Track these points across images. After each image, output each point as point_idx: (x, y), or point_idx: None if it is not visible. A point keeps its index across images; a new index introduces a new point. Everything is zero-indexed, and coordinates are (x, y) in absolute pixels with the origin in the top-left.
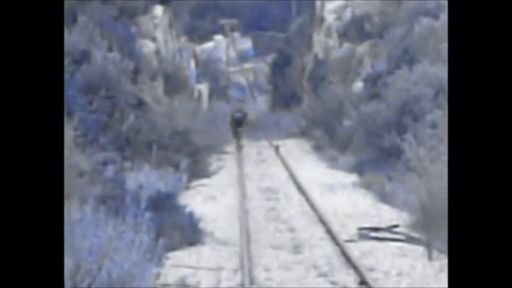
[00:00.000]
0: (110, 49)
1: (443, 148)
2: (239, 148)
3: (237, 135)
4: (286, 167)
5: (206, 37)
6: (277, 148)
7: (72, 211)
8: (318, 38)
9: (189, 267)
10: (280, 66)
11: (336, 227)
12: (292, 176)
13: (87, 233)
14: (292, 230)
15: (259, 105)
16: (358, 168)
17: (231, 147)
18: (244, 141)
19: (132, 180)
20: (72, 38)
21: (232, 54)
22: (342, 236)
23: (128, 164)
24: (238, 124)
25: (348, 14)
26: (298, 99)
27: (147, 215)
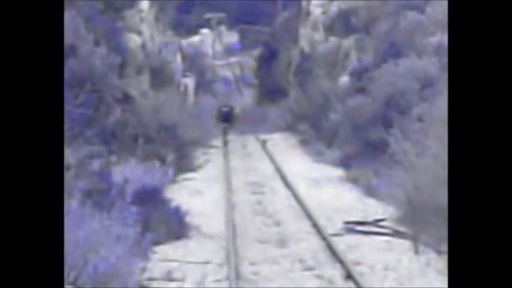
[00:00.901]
0: (96, 43)
1: (429, 142)
2: (225, 143)
3: (223, 131)
4: (273, 161)
5: (192, 31)
6: (264, 143)
7: None
8: (304, 32)
9: (175, 261)
10: (267, 60)
11: (322, 221)
12: (278, 170)
13: (73, 227)
14: (278, 223)
15: (245, 99)
16: (344, 162)
17: (217, 142)
18: (231, 136)
19: (118, 174)
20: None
21: (219, 48)
22: (328, 230)
23: (114, 158)
24: (225, 119)
25: (334, 8)
26: (284, 93)
27: (133, 209)
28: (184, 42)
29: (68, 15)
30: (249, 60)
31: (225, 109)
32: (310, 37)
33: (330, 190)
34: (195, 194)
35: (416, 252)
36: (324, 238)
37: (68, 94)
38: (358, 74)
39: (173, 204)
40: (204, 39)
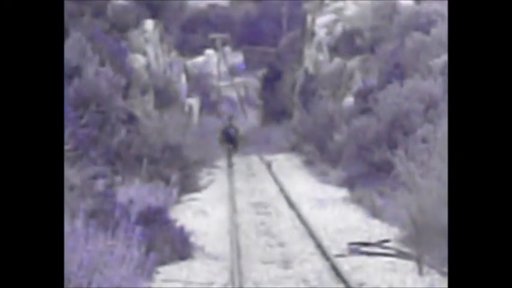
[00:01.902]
0: (101, 63)
1: (434, 163)
2: (230, 166)
3: (228, 153)
4: (277, 181)
5: (197, 51)
6: (269, 165)
7: None
8: (309, 53)
9: (179, 281)
10: (271, 81)
11: (326, 242)
12: (282, 191)
13: (77, 247)
14: (282, 244)
15: (249, 119)
16: (348, 183)
17: (221, 162)
18: (235, 157)
19: (122, 194)
20: (64, 53)
21: (223, 68)
22: (332, 251)
23: (118, 178)
24: (230, 142)
25: (338, 29)
26: (288, 114)
27: (138, 229)
28: (189, 62)
29: (74, 37)
30: (254, 80)
31: (229, 130)
32: (315, 58)
33: (334, 211)
34: (200, 214)
35: (421, 273)
36: (328, 259)
37: (72, 114)
38: (363, 95)
39: (177, 224)
40: (209, 59)
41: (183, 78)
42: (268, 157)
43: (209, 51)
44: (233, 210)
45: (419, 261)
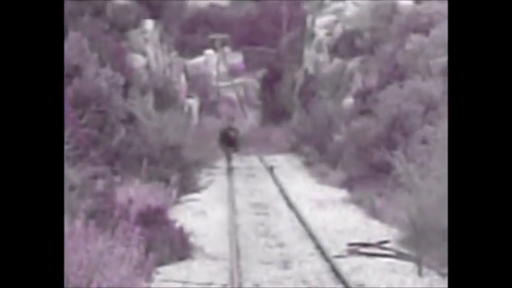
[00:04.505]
0: (101, 63)
1: (433, 164)
2: (230, 170)
3: (227, 156)
4: (276, 182)
5: (197, 52)
6: (271, 169)
7: None
8: (309, 54)
9: (178, 281)
10: (271, 82)
11: (325, 243)
12: (282, 191)
13: (77, 247)
14: (281, 245)
15: (249, 120)
16: (348, 184)
17: (220, 162)
18: (235, 159)
19: (122, 194)
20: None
21: (223, 69)
22: (332, 252)
23: (118, 178)
24: (229, 144)
25: (338, 30)
26: (288, 115)
27: (137, 229)
28: (189, 63)
29: (73, 36)
30: (253, 81)
31: (228, 132)
32: (315, 58)
33: (333, 212)
34: (199, 214)
35: (420, 274)
36: (327, 260)
37: (72, 114)
38: (363, 96)
39: (177, 224)
40: (208, 60)
41: (183, 78)
42: (268, 158)
43: (209, 52)
44: (232, 210)
45: (418, 262)
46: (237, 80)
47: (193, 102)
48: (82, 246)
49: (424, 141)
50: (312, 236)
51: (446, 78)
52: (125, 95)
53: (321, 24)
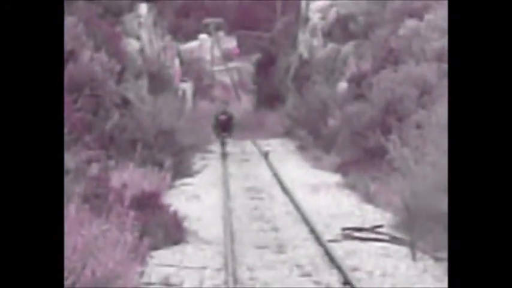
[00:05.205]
0: (96, 48)
1: (428, 149)
2: (224, 156)
3: (221, 142)
4: (271, 166)
5: (191, 36)
6: (266, 155)
7: None
8: (303, 38)
9: (172, 266)
10: (265, 66)
11: (319, 227)
12: (276, 176)
13: (71, 231)
14: (276, 229)
15: (243, 104)
16: (342, 168)
17: (215, 147)
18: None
19: (116, 178)
20: None
21: (217, 53)
22: (326, 236)
23: (112, 163)
24: (224, 129)
25: (332, 14)
26: (282, 99)
27: (131, 213)
28: (183, 47)
29: (68, 21)
30: (248, 65)
31: (223, 117)
32: (309, 43)
33: (327, 196)
34: (193, 199)
35: (414, 258)
36: (321, 244)
37: (67, 99)
38: (357, 80)
39: (171, 209)
40: (203, 44)
41: (177, 62)
42: (262, 142)
43: (203, 36)
44: (227, 195)
45: (412, 246)
46: (231, 65)
47: (188, 87)
48: (76, 230)
49: (418, 126)
50: (306, 221)
51: (440, 63)
52: (119, 79)
53: (315, 8)
